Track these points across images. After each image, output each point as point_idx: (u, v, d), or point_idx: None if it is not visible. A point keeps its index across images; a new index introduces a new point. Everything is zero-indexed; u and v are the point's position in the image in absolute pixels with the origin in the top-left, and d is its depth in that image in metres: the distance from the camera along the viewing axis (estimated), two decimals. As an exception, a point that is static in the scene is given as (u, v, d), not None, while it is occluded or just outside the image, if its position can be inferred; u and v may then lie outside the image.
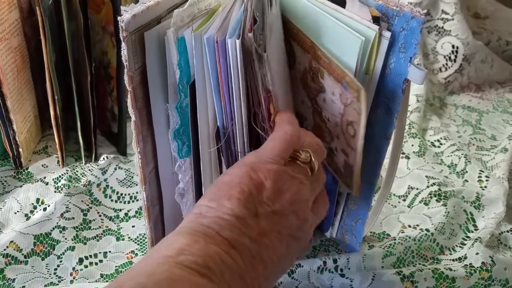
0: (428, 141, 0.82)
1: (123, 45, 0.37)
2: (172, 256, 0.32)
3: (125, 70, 0.38)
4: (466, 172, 0.75)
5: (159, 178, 0.49)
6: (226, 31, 0.39)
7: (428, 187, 0.69)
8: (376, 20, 0.40)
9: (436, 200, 0.67)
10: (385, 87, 0.44)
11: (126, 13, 0.36)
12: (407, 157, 0.76)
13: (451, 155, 0.78)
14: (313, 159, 0.41)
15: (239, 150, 0.44)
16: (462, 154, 0.77)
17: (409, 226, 0.64)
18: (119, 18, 0.35)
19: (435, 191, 0.68)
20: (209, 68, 0.40)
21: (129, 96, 0.40)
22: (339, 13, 0.42)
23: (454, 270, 0.57)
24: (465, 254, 0.60)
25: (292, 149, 0.41)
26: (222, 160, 0.46)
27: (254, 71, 0.39)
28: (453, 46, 0.96)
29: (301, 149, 0.42)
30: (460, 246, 0.62)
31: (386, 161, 0.52)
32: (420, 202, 0.68)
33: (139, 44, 0.39)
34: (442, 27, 0.96)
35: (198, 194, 0.51)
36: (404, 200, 0.70)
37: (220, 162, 0.47)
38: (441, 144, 0.81)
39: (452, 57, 0.96)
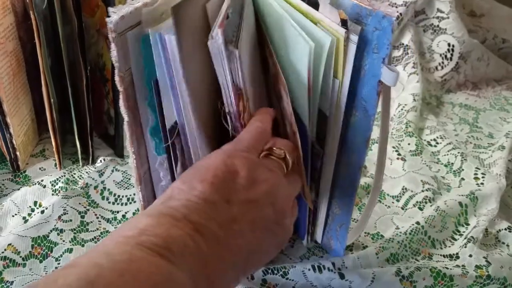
0: (425, 140, 0.82)
1: (112, 46, 0.37)
2: (133, 236, 0.32)
3: (116, 71, 0.38)
4: (462, 170, 0.75)
5: (152, 179, 0.50)
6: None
7: (423, 191, 0.70)
8: (344, 23, 0.39)
9: (431, 206, 0.68)
10: (361, 90, 0.43)
11: (114, 15, 0.36)
12: (403, 159, 0.76)
13: (447, 154, 0.78)
14: (287, 156, 0.42)
15: (191, 150, 0.44)
16: (458, 152, 0.78)
17: (403, 227, 0.64)
18: (107, 19, 0.36)
19: (430, 197, 0.69)
20: (164, 65, 0.40)
21: (121, 97, 0.40)
22: (302, 17, 0.42)
23: (451, 269, 0.57)
24: (457, 253, 0.61)
25: (265, 141, 0.42)
26: (178, 156, 0.46)
27: (224, 68, 0.39)
28: (449, 45, 0.96)
29: (275, 146, 0.42)
30: (450, 241, 0.63)
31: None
32: (414, 205, 0.69)
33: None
34: (438, 26, 0.96)
35: None
36: (398, 201, 0.70)
37: (175, 159, 0.46)
38: (437, 143, 0.81)
39: (448, 55, 0.96)
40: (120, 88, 0.39)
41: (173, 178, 0.48)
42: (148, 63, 0.41)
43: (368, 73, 0.42)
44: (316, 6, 0.42)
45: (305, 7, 0.42)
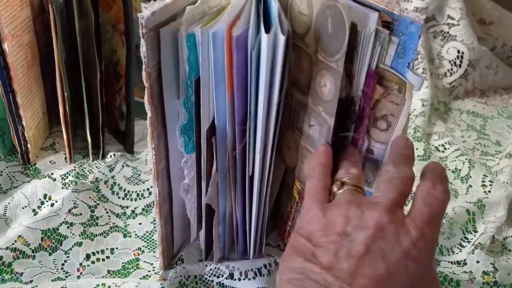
0: (433, 145, 0.83)
1: (142, 41, 0.37)
2: None
3: (143, 67, 0.39)
4: (470, 177, 0.75)
5: (170, 176, 0.50)
6: (244, 26, 0.39)
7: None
8: (386, 25, 0.40)
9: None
10: None
11: (146, 10, 0.36)
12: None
13: (455, 160, 0.79)
14: (345, 183, 0.43)
15: (258, 150, 0.44)
16: (466, 159, 0.78)
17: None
18: (139, 14, 0.36)
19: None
20: (212, 64, 0.40)
21: (146, 92, 0.40)
22: None
23: (458, 274, 0.57)
24: (465, 260, 0.61)
25: (325, 190, 0.43)
26: (214, 157, 0.46)
27: (363, 51, 0.40)
28: (458, 51, 0.96)
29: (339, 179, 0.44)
30: (458, 248, 0.63)
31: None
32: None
33: (157, 41, 0.39)
34: (448, 32, 0.96)
35: (199, 191, 0.51)
36: (406, 205, 0.70)
37: (211, 158, 0.47)
38: (445, 149, 0.82)
39: (457, 62, 0.96)
40: (146, 83, 0.39)
41: (198, 176, 0.48)
42: (190, 62, 0.41)
43: None
44: None
45: None
